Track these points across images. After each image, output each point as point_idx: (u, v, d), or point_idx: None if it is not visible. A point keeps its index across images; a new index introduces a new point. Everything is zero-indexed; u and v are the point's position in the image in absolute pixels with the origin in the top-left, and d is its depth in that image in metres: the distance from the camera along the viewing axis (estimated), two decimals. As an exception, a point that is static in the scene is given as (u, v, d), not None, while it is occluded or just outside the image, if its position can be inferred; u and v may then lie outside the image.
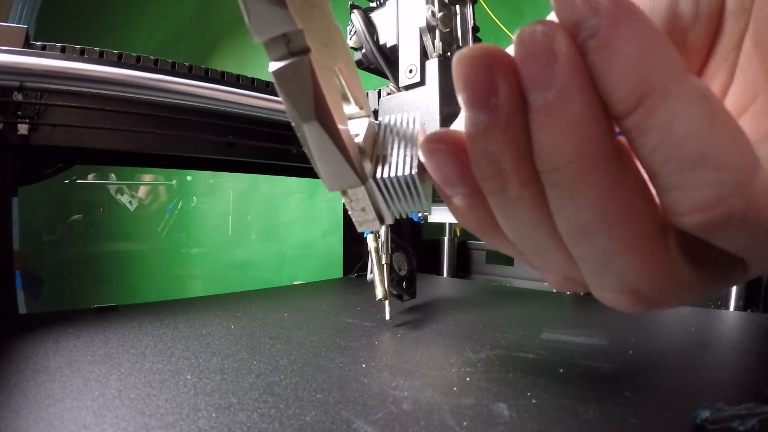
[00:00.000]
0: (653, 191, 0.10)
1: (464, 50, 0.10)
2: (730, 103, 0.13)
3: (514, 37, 0.09)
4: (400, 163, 0.14)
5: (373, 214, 0.15)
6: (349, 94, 0.16)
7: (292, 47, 0.12)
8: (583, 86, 0.09)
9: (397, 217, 0.15)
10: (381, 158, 0.14)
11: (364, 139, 0.14)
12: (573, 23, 0.09)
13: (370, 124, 0.15)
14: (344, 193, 0.14)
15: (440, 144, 0.12)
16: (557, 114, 0.09)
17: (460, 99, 0.10)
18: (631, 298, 0.11)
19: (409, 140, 0.14)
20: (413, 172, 0.13)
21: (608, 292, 0.11)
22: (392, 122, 0.15)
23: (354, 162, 0.13)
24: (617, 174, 0.09)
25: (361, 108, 0.16)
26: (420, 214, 0.15)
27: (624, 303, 0.11)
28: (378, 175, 0.14)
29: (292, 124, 0.13)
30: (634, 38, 0.08)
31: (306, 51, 0.12)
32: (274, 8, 0.11)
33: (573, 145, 0.09)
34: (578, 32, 0.09)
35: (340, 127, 0.12)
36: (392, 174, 0.14)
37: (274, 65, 0.12)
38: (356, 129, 0.14)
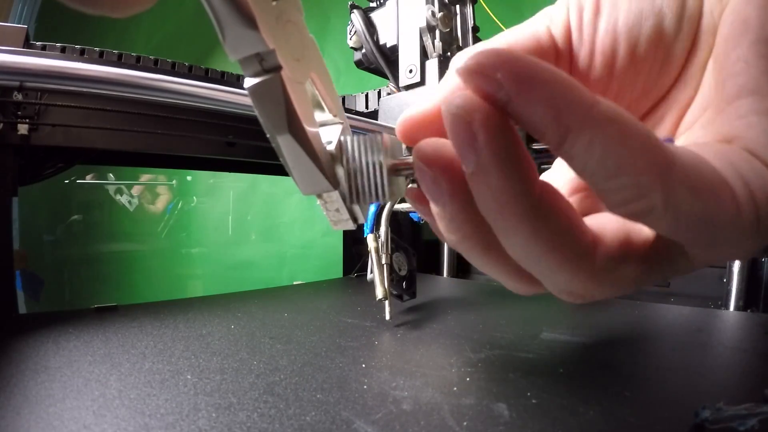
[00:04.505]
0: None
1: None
2: (690, 114, 0.16)
3: (442, 110, 0.11)
4: (372, 188, 0.14)
5: (347, 215, 0.16)
6: (323, 102, 0.17)
7: (265, 65, 0.13)
8: (499, 163, 0.11)
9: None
10: (352, 173, 0.14)
11: (336, 145, 0.15)
12: (486, 95, 0.11)
13: (343, 131, 0.16)
14: (319, 196, 0.15)
15: (423, 204, 0.15)
16: (480, 181, 0.11)
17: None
18: (569, 296, 0.14)
19: (375, 151, 0.15)
20: (386, 197, 0.15)
21: (552, 291, 0.14)
22: (357, 140, 0.16)
23: (325, 169, 0.14)
24: (537, 224, 0.12)
25: (334, 115, 0.17)
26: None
27: (565, 299, 0.14)
28: (354, 202, 0.15)
29: (267, 136, 0.14)
30: (540, 98, 0.10)
31: (278, 69, 0.13)
32: (246, 30, 0.12)
33: (496, 205, 0.12)
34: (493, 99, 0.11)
35: (311, 133, 0.14)
36: (368, 200, 0.15)
37: (248, 81, 0.13)
38: (329, 136, 0.15)
